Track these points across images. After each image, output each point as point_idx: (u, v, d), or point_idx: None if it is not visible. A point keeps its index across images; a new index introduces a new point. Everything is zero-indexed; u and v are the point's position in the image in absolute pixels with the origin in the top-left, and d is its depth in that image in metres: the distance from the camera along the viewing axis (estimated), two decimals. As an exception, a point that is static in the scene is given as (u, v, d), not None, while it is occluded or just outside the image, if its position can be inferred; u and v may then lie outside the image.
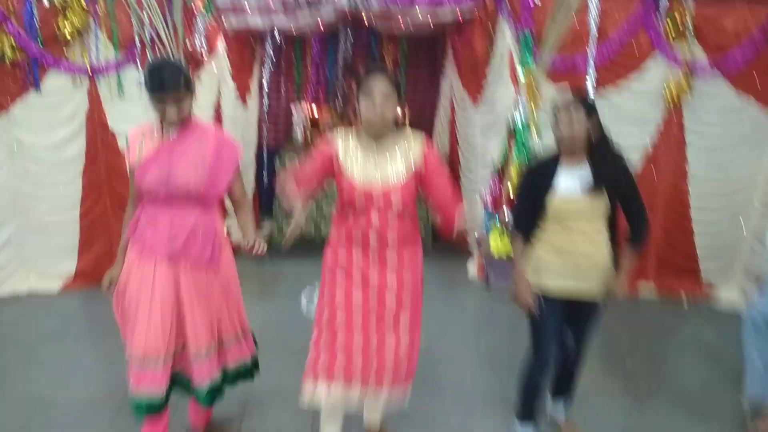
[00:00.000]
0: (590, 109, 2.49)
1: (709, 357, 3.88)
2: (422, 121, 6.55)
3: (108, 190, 4.77)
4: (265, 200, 6.34)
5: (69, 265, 4.82)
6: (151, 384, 2.39)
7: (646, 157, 4.81)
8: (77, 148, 4.63)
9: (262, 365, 2.81)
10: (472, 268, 5.36)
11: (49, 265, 4.79)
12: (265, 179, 6.48)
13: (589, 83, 4.64)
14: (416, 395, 3.16)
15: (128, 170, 2.46)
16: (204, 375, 2.49)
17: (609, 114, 4.59)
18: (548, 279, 2.58)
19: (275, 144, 6.55)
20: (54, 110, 4.52)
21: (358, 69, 6.56)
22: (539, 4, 4.56)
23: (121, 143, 4.65)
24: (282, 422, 3.01)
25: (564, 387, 2.92)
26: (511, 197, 4.73)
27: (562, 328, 2.68)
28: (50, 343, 3.87)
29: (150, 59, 4.39)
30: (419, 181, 2.41)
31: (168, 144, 2.39)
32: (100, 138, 4.66)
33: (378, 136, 2.39)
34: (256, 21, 4.95)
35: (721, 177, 4.73)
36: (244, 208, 2.62)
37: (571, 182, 2.49)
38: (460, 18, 5.07)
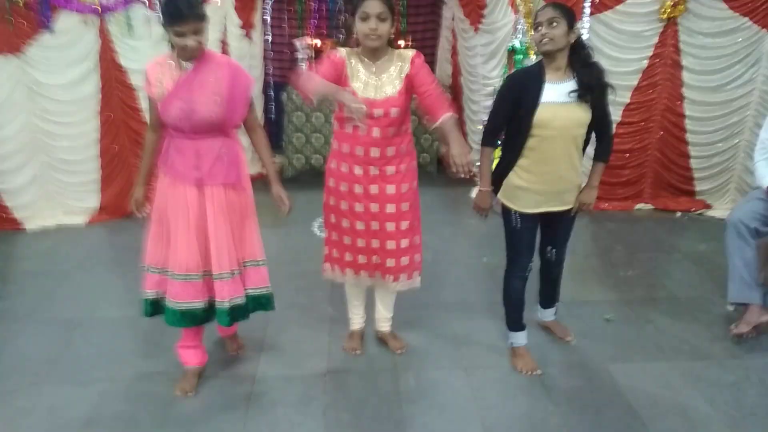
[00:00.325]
0: (571, 21, 2.58)
1: (701, 266, 4.12)
2: (424, 51, 6.60)
3: (124, 127, 4.96)
4: (273, 134, 6.52)
5: (93, 201, 5.07)
6: (194, 296, 2.64)
7: (644, 80, 4.92)
8: (92, 86, 4.80)
9: (279, 286, 3.03)
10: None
11: (74, 200, 5.05)
12: (273, 113, 6.65)
13: (587, 6, 4.72)
14: (421, 304, 3.44)
15: (149, 100, 2.62)
16: (225, 294, 2.67)
17: (607, 36, 4.75)
18: (529, 204, 2.76)
19: (281, 79, 6.67)
20: (67, 50, 4.67)
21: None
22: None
23: (134, 80, 4.81)
24: (301, 336, 3.30)
25: (549, 296, 3.20)
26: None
27: (534, 242, 2.90)
28: (81, 271, 4.18)
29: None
30: (410, 86, 2.62)
31: (186, 77, 2.52)
32: (113, 76, 4.82)
33: (375, 56, 2.61)
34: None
35: (716, 99, 4.86)
36: (259, 134, 2.80)
37: (557, 93, 2.61)
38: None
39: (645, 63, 4.88)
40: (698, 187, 5.14)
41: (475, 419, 2.62)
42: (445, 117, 2.50)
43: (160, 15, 2.52)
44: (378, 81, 2.62)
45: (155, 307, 2.75)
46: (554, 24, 2.55)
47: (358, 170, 2.71)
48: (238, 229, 2.74)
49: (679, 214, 5.07)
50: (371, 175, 2.70)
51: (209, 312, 2.75)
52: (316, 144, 6.04)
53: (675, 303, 3.63)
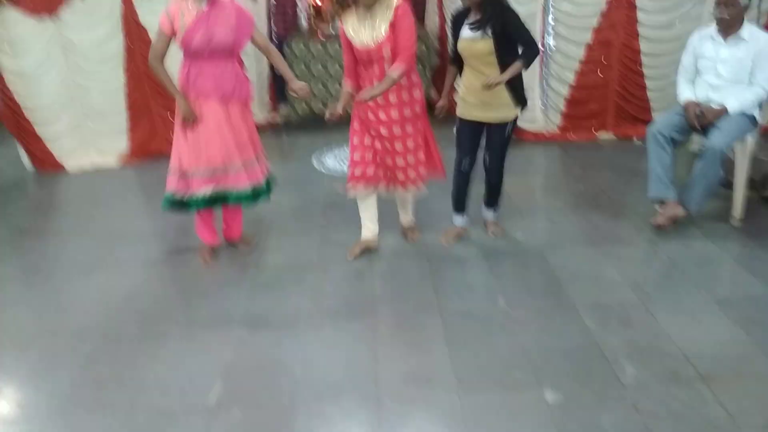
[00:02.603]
0: None
1: (643, 178, 4.75)
2: (415, 2, 7.20)
3: (147, 79, 5.67)
4: (278, 85, 7.19)
5: (121, 143, 5.83)
6: (216, 184, 3.47)
7: (603, 21, 5.49)
8: (117, 43, 5.51)
9: (283, 205, 3.86)
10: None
11: (106, 144, 5.80)
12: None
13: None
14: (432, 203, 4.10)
15: (160, 35, 3.34)
16: (245, 181, 3.53)
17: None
18: (465, 110, 3.59)
19: (284, 33, 7.30)
20: (94, 12, 5.37)
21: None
22: None
23: (152, 36, 5.49)
24: (296, 243, 4.04)
25: (490, 197, 3.89)
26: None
27: (469, 144, 3.67)
28: (118, 198, 5.00)
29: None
30: (394, 29, 3.25)
31: (204, 14, 3.30)
32: (135, 33, 5.53)
33: (368, 6, 3.25)
34: None
35: (667, 36, 5.42)
36: (272, 52, 3.59)
37: (469, 29, 3.39)
38: None
39: (603, 6, 5.44)
40: (654, 114, 5.70)
41: (427, 286, 3.38)
42: (389, 72, 3.22)
43: None
44: (371, 28, 3.27)
45: (172, 203, 3.54)
46: None
47: (371, 101, 3.37)
48: (249, 132, 3.57)
49: (636, 140, 5.68)
50: (379, 103, 3.39)
51: (219, 197, 3.55)
52: (316, 92, 6.68)
53: (613, 207, 4.32)
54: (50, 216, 4.78)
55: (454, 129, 3.71)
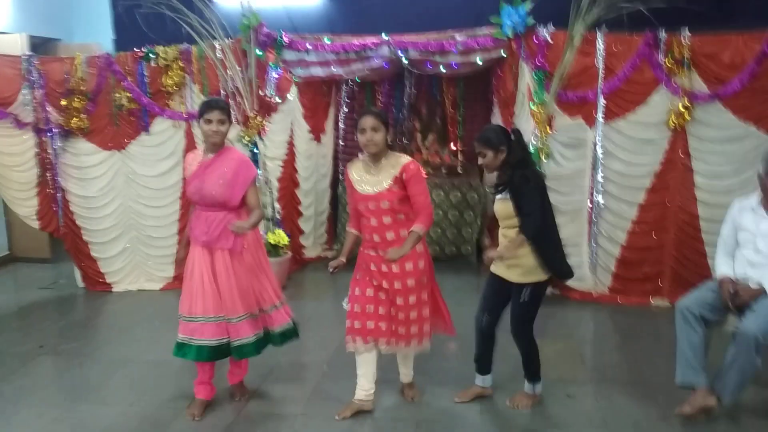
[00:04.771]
0: (498, 150, 3.32)
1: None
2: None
3: (198, 210, 5.95)
4: (335, 223, 7.32)
5: (169, 271, 6.02)
6: (211, 334, 3.38)
7: (657, 182, 5.22)
8: (176, 177, 5.84)
9: (291, 346, 3.75)
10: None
11: (155, 269, 6.03)
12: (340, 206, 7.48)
13: (599, 115, 5.19)
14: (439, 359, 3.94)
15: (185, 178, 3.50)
16: (246, 332, 3.42)
17: (618, 141, 5.16)
18: (494, 267, 3.47)
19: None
20: (159, 148, 5.79)
21: (421, 108, 7.46)
22: (552, 42, 5.21)
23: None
24: (288, 391, 3.87)
25: (523, 365, 3.58)
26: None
27: (500, 304, 3.52)
28: (145, 324, 5.10)
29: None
30: (401, 185, 3.28)
31: (205, 164, 3.39)
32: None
33: (375, 158, 3.32)
34: (317, 71, 5.99)
35: (728, 201, 5.01)
36: (253, 213, 3.46)
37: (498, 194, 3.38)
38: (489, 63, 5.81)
39: (657, 167, 5.19)
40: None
41: None
42: (413, 228, 3.20)
43: (198, 115, 3.42)
44: (375, 179, 3.32)
45: (182, 348, 3.46)
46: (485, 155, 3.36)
47: (372, 252, 3.37)
48: (256, 283, 3.49)
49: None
50: (381, 256, 3.33)
51: (222, 351, 3.44)
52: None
53: (642, 386, 3.83)
54: (75, 335, 4.89)
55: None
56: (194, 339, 3.39)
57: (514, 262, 3.32)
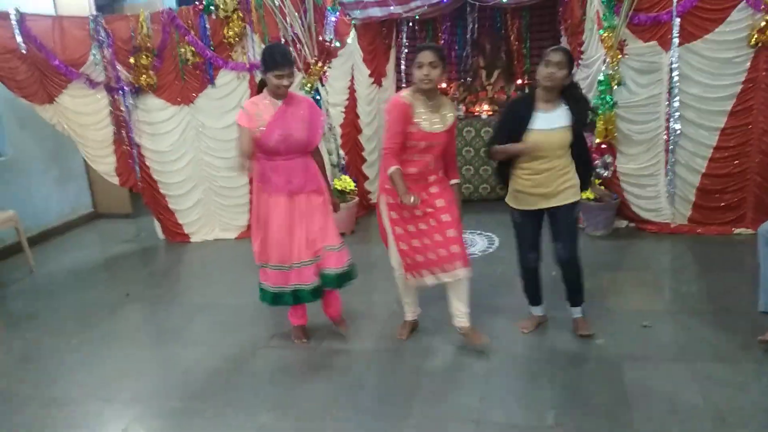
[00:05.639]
0: (571, 66, 3.16)
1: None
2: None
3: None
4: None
5: (242, 220, 6.19)
6: (284, 281, 3.51)
7: (738, 105, 4.91)
8: (243, 127, 5.96)
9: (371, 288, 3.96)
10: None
11: (229, 219, 6.22)
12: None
13: (675, 37, 4.89)
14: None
15: (241, 132, 3.37)
16: (335, 263, 3.55)
17: (696, 63, 4.88)
18: (526, 202, 3.36)
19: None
20: (225, 100, 5.87)
21: (484, 44, 7.24)
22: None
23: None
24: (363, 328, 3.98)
25: (571, 293, 3.54)
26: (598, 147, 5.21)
27: (532, 238, 3.47)
28: (223, 270, 5.31)
29: (268, 44, 5.47)
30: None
31: (281, 111, 3.38)
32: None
33: (430, 96, 3.26)
34: (375, 12, 5.89)
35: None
36: (318, 155, 3.62)
37: (548, 120, 3.21)
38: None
39: (738, 88, 4.87)
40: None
41: (475, 391, 3.09)
42: (455, 181, 3.47)
43: (262, 64, 3.39)
44: (436, 117, 3.29)
45: (263, 294, 3.63)
46: (560, 67, 3.14)
47: (415, 189, 3.29)
48: (322, 221, 3.54)
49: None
50: (420, 184, 3.33)
51: (295, 295, 3.55)
52: (466, 174, 6.66)
53: (722, 315, 3.70)
54: (158, 283, 5.14)
55: (513, 222, 3.50)
56: (272, 287, 3.53)
57: (568, 183, 3.30)
